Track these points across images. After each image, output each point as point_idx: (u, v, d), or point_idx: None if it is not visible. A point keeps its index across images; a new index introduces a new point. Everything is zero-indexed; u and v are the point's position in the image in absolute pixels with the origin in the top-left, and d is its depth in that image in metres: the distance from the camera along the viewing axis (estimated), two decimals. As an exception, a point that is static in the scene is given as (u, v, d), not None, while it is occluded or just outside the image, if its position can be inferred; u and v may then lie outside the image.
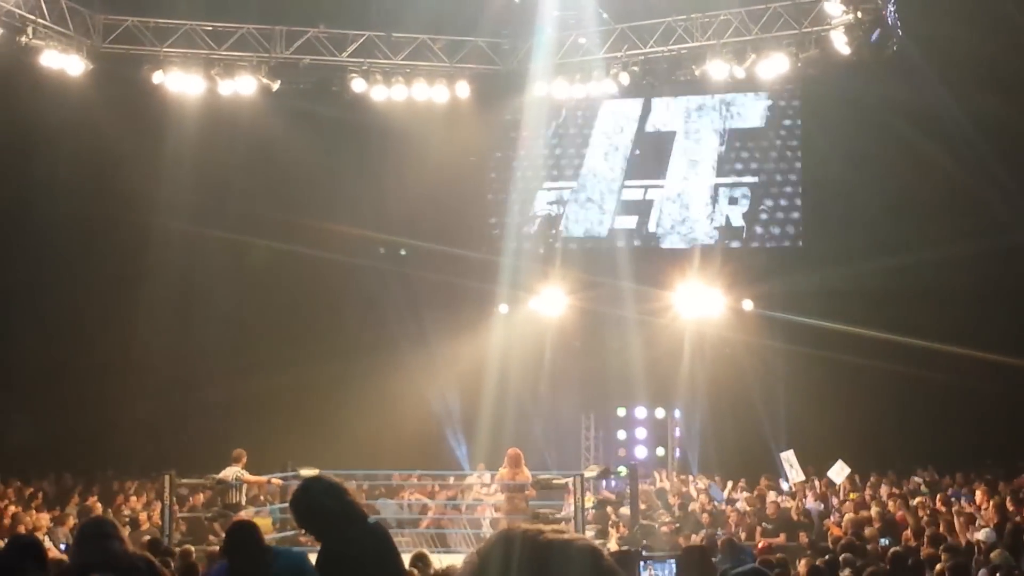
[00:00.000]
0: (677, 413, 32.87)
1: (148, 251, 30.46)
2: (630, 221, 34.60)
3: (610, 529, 24.34)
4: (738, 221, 33.69)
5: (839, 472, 26.07)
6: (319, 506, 7.26)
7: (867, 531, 22.12)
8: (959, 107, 28.15)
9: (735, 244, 33.48)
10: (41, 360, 30.19)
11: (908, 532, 21.92)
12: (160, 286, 30.02)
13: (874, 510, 24.15)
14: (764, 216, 33.48)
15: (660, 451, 33.19)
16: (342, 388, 30.26)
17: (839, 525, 23.68)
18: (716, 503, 27.13)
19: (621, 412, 34.00)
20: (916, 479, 28.08)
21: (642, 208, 34.59)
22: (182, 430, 30.16)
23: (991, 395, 28.86)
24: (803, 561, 16.64)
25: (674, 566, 17.52)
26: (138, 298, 30.27)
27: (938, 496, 25.13)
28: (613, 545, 22.29)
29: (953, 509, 23.38)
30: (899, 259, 28.57)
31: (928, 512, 23.40)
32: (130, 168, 29.93)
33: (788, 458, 26.82)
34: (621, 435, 33.94)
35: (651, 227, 34.42)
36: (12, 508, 24.07)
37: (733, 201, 33.77)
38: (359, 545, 7.17)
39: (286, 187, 32.37)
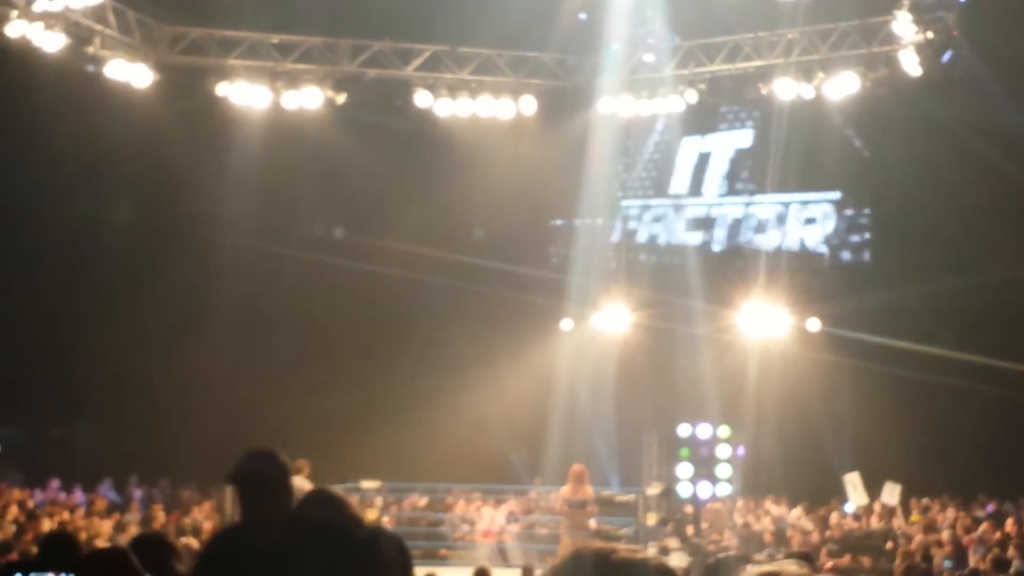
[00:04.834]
0: (741, 432, 32.48)
1: (214, 268, 30.42)
2: (695, 238, 34.42)
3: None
4: (806, 238, 33.40)
5: (890, 493, 25.75)
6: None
7: (935, 554, 21.85)
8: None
9: (803, 261, 33.16)
10: (107, 373, 30.20)
11: (976, 556, 21.64)
12: (226, 303, 29.99)
13: (945, 534, 23.83)
14: (833, 233, 33.16)
15: (722, 470, 32.79)
16: (406, 404, 30.16)
17: (904, 548, 23.36)
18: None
19: (684, 430, 33.58)
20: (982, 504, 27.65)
21: (707, 225, 34.39)
22: (246, 444, 30.01)
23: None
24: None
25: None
26: (204, 315, 30.22)
27: (1008, 520, 24.75)
28: (677, 562, 22.11)
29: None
30: (970, 277, 28.09)
31: (999, 537, 23.06)
32: (195, 183, 29.95)
33: (852, 480, 26.53)
34: (684, 453, 33.47)
35: (716, 245, 34.21)
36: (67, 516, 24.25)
37: (800, 218, 33.49)
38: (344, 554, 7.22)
39: (349, 203, 32.35)
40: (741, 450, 32.04)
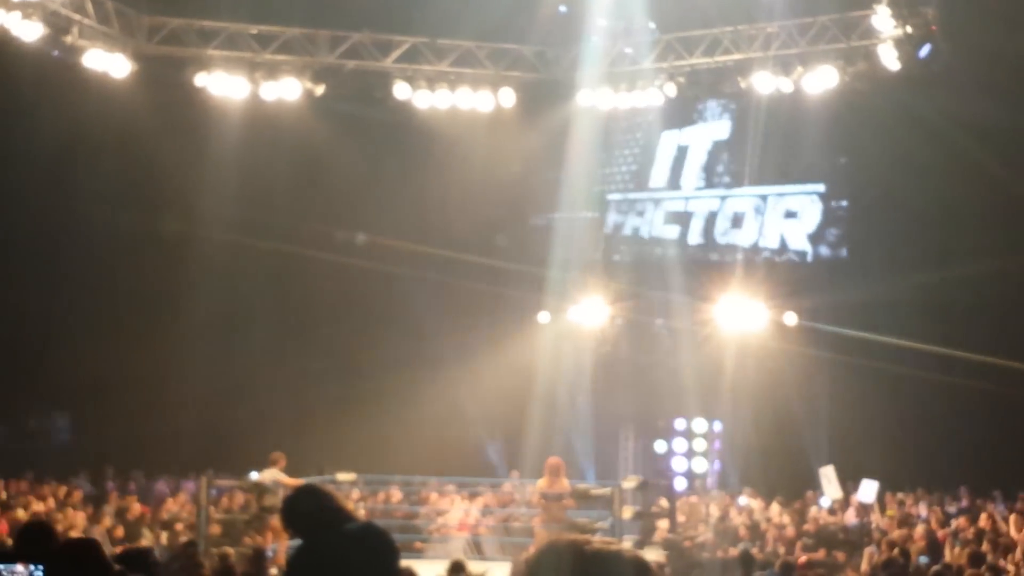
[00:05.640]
0: (718, 425, 32.48)
1: (191, 259, 30.32)
2: (672, 231, 34.43)
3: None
4: (786, 232, 33.41)
5: (867, 491, 25.77)
6: (299, 510, 7.51)
7: (911, 549, 21.89)
8: (1010, 117, 27.74)
9: (779, 255, 33.18)
10: (83, 365, 30.07)
11: (953, 551, 21.68)
12: (202, 295, 29.89)
13: (919, 528, 23.86)
14: (811, 226, 33.17)
15: (699, 464, 32.79)
16: (382, 396, 30.08)
17: (880, 543, 23.38)
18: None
19: (661, 424, 33.59)
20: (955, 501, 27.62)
21: (684, 219, 34.40)
22: (222, 436, 30.02)
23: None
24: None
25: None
26: (180, 306, 30.15)
27: (982, 515, 24.75)
28: (654, 555, 22.12)
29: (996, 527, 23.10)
30: (948, 270, 28.04)
31: (973, 532, 23.10)
32: (173, 174, 29.86)
33: (827, 473, 26.54)
34: (660, 447, 33.47)
35: (693, 238, 34.21)
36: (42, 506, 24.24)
37: (780, 211, 33.49)
38: (333, 548, 7.29)
39: (327, 195, 32.28)
40: (717, 444, 32.14)
